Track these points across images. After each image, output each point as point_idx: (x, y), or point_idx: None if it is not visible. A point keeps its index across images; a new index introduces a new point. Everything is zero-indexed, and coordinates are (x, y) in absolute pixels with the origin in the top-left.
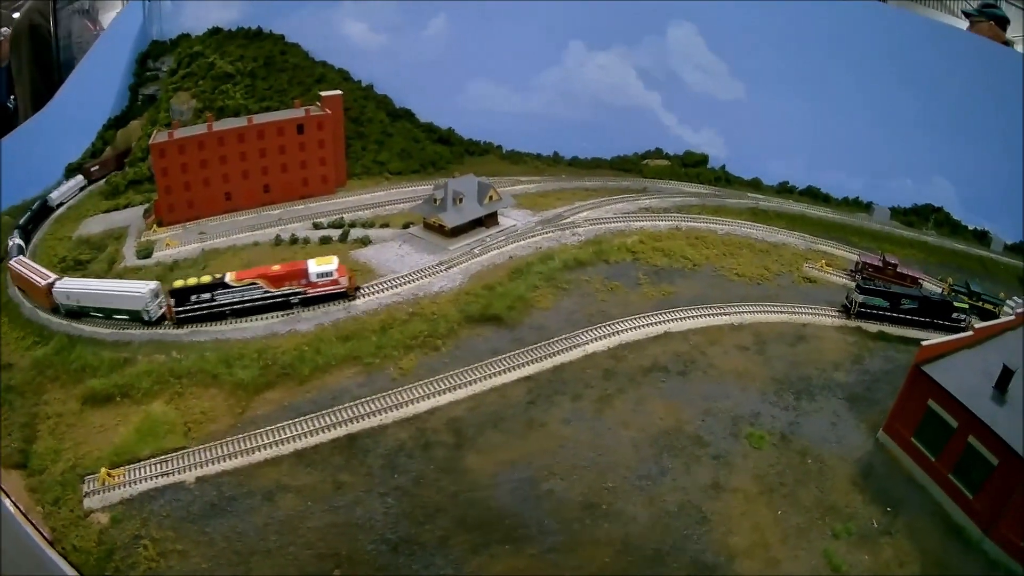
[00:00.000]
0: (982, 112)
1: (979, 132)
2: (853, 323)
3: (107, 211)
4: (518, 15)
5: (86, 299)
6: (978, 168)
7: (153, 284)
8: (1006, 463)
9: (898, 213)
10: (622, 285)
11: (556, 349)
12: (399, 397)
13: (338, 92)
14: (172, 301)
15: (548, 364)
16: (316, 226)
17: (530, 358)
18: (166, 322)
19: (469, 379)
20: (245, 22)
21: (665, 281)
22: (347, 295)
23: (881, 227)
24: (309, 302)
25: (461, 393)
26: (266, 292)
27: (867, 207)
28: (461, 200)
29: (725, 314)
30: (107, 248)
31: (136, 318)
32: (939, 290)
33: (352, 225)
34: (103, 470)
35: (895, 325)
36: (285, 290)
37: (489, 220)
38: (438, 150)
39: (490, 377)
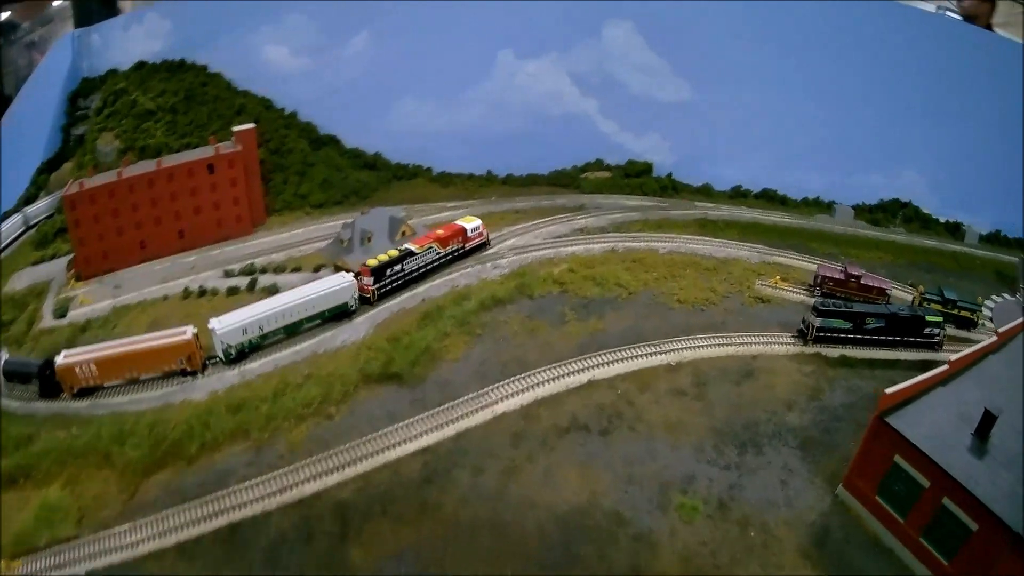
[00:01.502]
0: (954, 98)
1: (951, 119)
2: (811, 349)
3: (35, 263)
4: (444, 27)
5: (278, 319)
6: (951, 157)
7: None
8: (986, 528)
9: (863, 211)
10: (545, 324)
11: (460, 413)
12: (285, 480)
13: (251, 125)
14: (371, 280)
15: (450, 431)
16: (227, 274)
17: (429, 425)
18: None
19: (360, 454)
20: (169, 53)
21: (594, 315)
22: (488, 244)
23: (844, 229)
24: (467, 254)
25: (350, 472)
26: (439, 253)
27: (828, 207)
28: (370, 239)
29: (660, 352)
30: (28, 306)
31: (341, 314)
32: (910, 298)
33: (263, 271)
34: (4, 561)
35: (860, 347)
36: (451, 248)
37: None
38: (363, 177)
39: (383, 451)
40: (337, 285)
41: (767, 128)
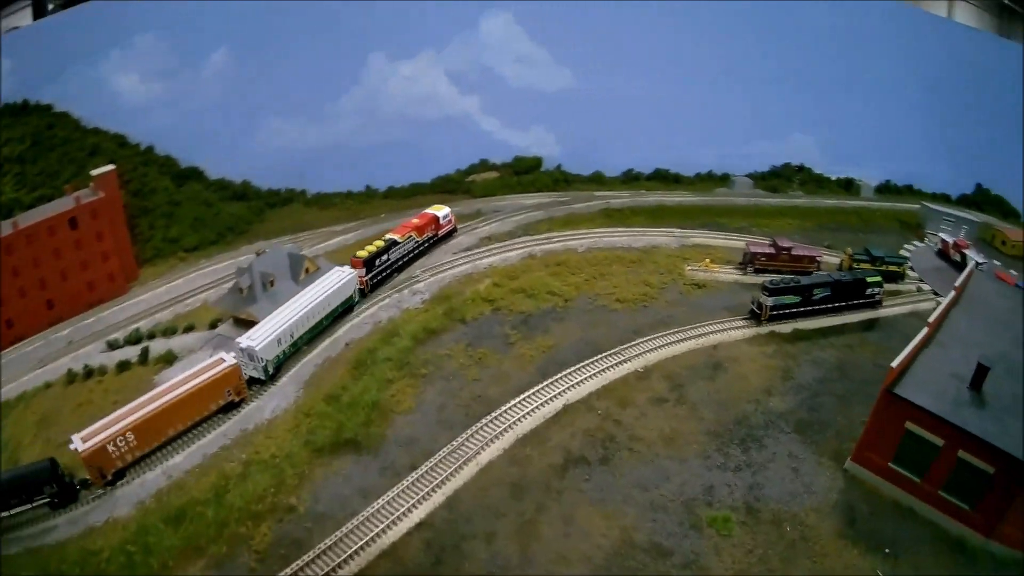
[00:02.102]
0: (832, 59)
1: (832, 79)
2: (765, 328)
3: None
4: (308, 32)
5: (304, 323)
6: (835, 117)
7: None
8: (1003, 469)
9: (759, 179)
10: (490, 350)
11: (441, 473)
12: None
13: (110, 167)
14: (364, 271)
15: (439, 497)
16: (111, 345)
17: (413, 496)
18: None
19: (346, 548)
20: (9, 96)
21: (538, 331)
22: (456, 231)
23: (747, 200)
24: (440, 240)
25: (344, 573)
26: (418, 241)
27: (726, 180)
28: (273, 283)
29: (624, 360)
30: None
31: (347, 309)
32: (838, 261)
33: (150, 336)
34: None
35: (809, 318)
36: (427, 235)
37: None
38: (235, 211)
39: (372, 539)
40: (343, 280)
41: (652, 109)
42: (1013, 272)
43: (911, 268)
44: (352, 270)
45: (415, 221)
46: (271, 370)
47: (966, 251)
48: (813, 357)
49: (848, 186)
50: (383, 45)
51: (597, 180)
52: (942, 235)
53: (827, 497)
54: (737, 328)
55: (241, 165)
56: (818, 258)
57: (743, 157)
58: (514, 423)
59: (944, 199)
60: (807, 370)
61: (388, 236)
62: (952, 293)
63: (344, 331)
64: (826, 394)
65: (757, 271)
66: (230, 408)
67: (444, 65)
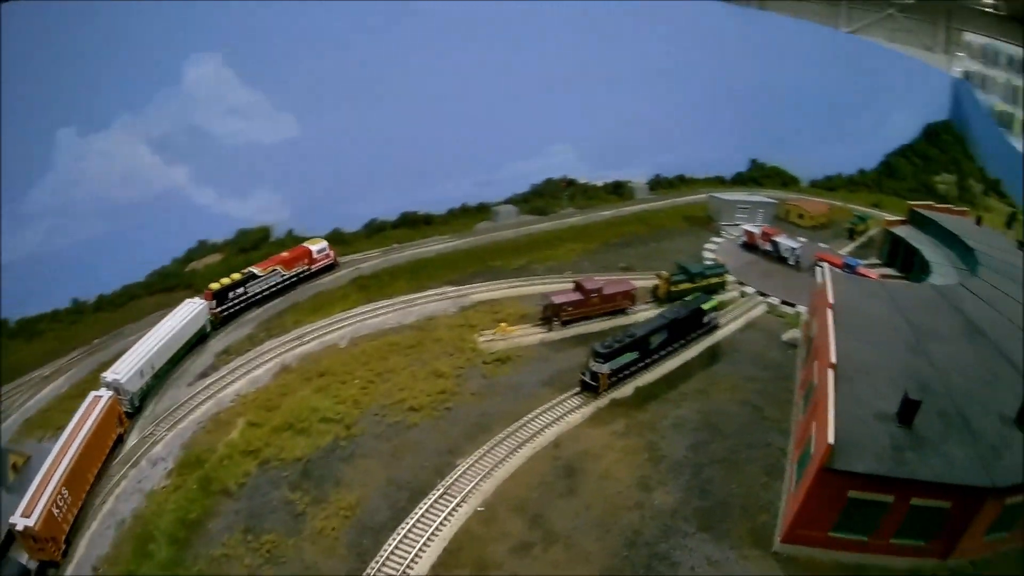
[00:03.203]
0: (574, 60)
1: (578, 82)
2: (603, 399)
3: None
4: None
5: (163, 354)
6: (590, 119)
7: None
8: (959, 500)
9: (520, 202)
10: (277, 533)
11: None
12: None
13: None
14: (214, 303)
15: None
16: None
17: None
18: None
19: None
20: None
21: (328, 484)
22: (336, 265)
23: (517, 232)
24: (314, 275)
25: None
26: (283, 275)
27: (485, 212)
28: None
29: (455, 501)
30: None
31: (202, 339)
32: (653, 284)
33: None
34: None
35: (648, 370)
36: (297, 270)
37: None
38: None
39: None
40: (194, 312)
41: (389, 146)
42: (840, 252)
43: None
44: (203, 301)
45: (284, 255)
46: (136, 402)
47: (777, 239)
48: (672, 420)
49: (618, 190)
50: (70, 119)
51: (337, 239)
52: (746, 226)
53: None
54: (572, 410)
55: None
56: (633, 292)
57: (500, 182)
58: None
59: (719, 182)
60: (674, 440)
61: (248, 269)
62: (829, 314)
63: (84, 549)
64: (708, 464)
65: (565, 323)
66: (119, 442)
67: (145, 131)
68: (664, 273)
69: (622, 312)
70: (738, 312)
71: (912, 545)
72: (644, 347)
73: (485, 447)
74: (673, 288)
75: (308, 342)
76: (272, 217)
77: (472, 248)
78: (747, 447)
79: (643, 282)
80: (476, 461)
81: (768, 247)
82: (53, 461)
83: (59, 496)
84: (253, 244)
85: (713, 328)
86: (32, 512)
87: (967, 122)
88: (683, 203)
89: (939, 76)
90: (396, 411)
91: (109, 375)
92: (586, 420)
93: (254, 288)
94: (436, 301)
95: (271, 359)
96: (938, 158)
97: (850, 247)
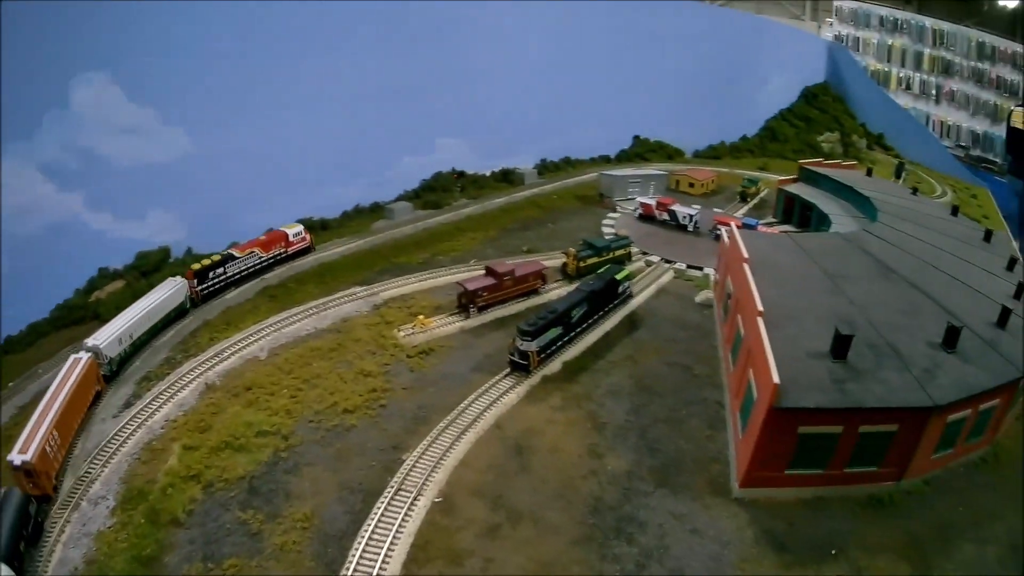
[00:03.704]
0: (451, 51)
1: (460, 72)
2: (535, 377)
3: None
4: None
5: (143, 324)
6: (475, 109)
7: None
8: (905, 421)
9: (412, 198)
10: (239, 558)
11: None
12: None
13: None
14: (195, 282)
15: None
16: None
17: None
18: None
19: None
20: None
21: (278, 498)
22: (312, 249)
23: (414, 227)
24: (290, 257)
25: None
26: (261, 257)
27: (379, 212)
28: None
29: (411, 496)
30: None
31: (181, 313)
32: (561, 263)
33: None
34: None
35: (572, 344)
36: (274, 252)
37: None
38: None
39: None
40: (174, 288)
41: (281, 154)
42: (736, 214)
43: (631, 241)
44: (182, 280)
45: (261, 238)
46: (114, 367)
47: (674, 208)
48: (606, 388)
49: (507, 177)
50: None
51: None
52: (640, 199)
53: (742, 539)
54: (507, 391)
55: None
56: (543, 271)
57: (391, 181)
58: None
59: (605, 160)
60: (613, 407)
61: (226, 251)
62: (747, 268)
63: None
64: (651, 424)
65: (482, 309)
66: (98, 398)
67: (36, 158)
68: (571, 250)
69: (535, 292)
70: (648, 280)
71: (866, 472)
72: (567, 322)
73: (428, 439)
74: (582, 264)
75: (227, 358)
76: (170, 237)
77: (374, 247)
78: (685, 404)
79: (551, 261)
80: (423, 453)
81: (665, 216)
82: (43, 409)
83: (51, 437)
84: (154, 266)
85: (628, 297)
86: (28, 449)
87: (845, 82)
88: (573, 184)
89: (814, 40)
90: (331, 415)
91: (90, 341)
92: (522, 399)
93: (233, 268)
94: (348, 302)
95: (193, 380)
96: (819, 118)
97: (744, 209)
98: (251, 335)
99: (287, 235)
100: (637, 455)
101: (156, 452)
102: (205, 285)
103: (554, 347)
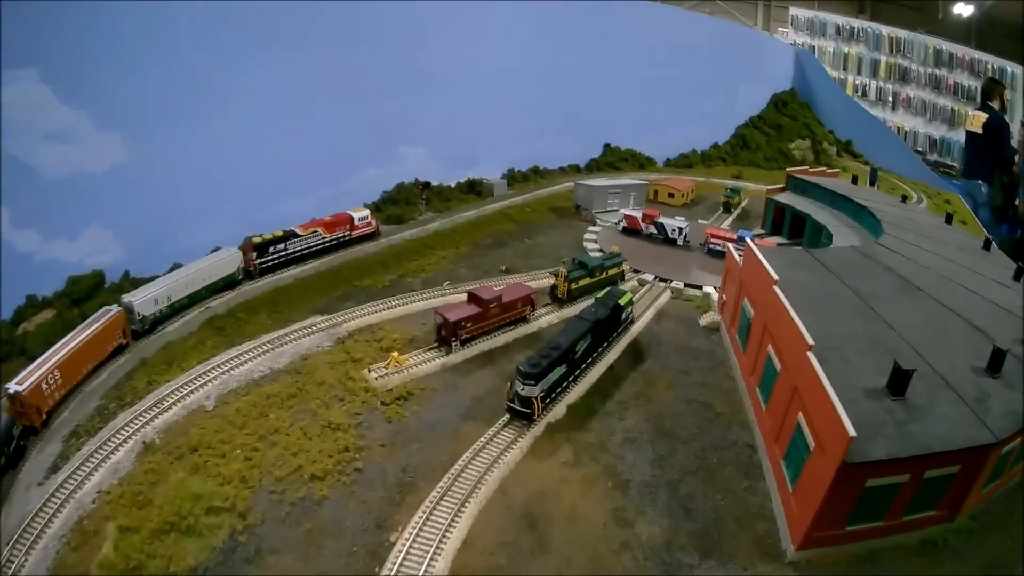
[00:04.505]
0: (411, 58)
1: (420, 80)
2: (539, 426)
3: None
4: None
5: (183, 289)
6: (439, 117)
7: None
8: (967, 461)
9: (374, 210)
10: None
11: None
12: None
13: None
14: (254, 255)
15: None
16: None
17: None
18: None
19: None
20: None
21: None
22: (378, 233)
23: (377, 245)
24: (354, 241)
25: None
26: (324, 237)
27: None
28: None
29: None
30: None
31: (230, 284)
32: (551, 283)
33: None
34: None
35: (575, 381)
36: (337, 234)
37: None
38: None
39: None
40: (226, 258)
41: (229, 168)
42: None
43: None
44: (237, 250)
45: (325, 219)
46: (146, 325)
47: (662, 220)
48: (622, 435)
49: (474, 188)
50: None
51: None
52: (624, 211)
53: None
54: (508, 446)
55: None
56: (533, 296)
57: (348, 194)
58: None
59: (575, 170)
60: (633, 458)
61: (291, 228)
62: (779, 292)
63: None
64: (681, 478)
65: (465, 342)
66: (121, 350)
67: None
68: (562, 270)
69: (523, 320)
70: (646, 302)
71: (923, 517)
72: (571, 358)
73: (420, 512)
74: (573, 286)
75: (168, 408)
76: (106, 259)
77: (333, 268)
78: (713, 450)
79: (535, 282)
80: (415, 533)
81: (652, 229)
82: (53, 351)
83: (51, 376)
84: (87, 293)
85: (630, 324)
86: (24, 382)
87: (812, 89)
88: (546, 195)
89: (781, 47)
90: (296, 484)
91: (126, 297)
92: (527, 454)
93: (294, 246)
94: (308, 336)
95: (128, 438)
96: (789, 125)
97: (729, 220)
98: (196, 378)
99: (352, 218)
100: (672, 518)
101: (87, 535)
102: (264, 259)
103: (559, 389)
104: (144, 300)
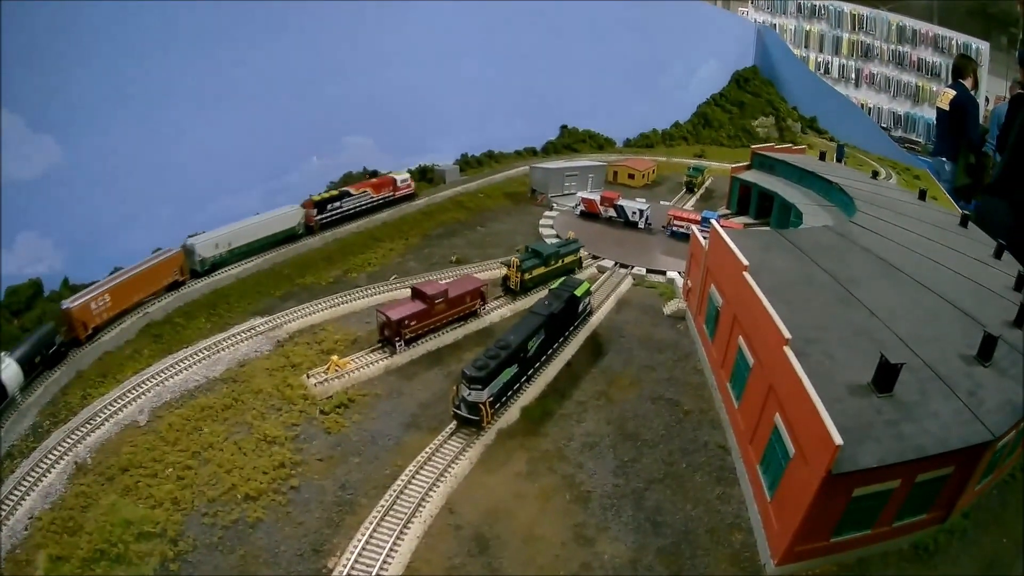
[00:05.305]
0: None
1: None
2: (491, 431)
3: None
4: None
5: (243, 236)
6: (389, 106)
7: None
8: (961, 461)
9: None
10: None
11: None
12: None
13: None
14: (315, 212)
15: None
16: None
17: None
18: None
19: None
20: None
21: None
22: (415, 195)
23: (322, 239)
24: (396, 201)
25: None
26: (372, 197)
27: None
28: None
29: None
30: None
31: (290, 237)
32: (503, 274)
33: None
34: None
35: (529, 381)
36: (383, 195)
37: None
38: None
39: None
40: (287, 212)
41: (166, 165)
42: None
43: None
44: (299, 207)
45: (373, 180)
46: (207, 267)
47: (621, 203)
48: (581, 440)
49: (425, 175)
50: None
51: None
52: (581, 194)
53: None
54: (455, 457)
55: None
56: (482, 288)
57: (292, 187)
58: None
59: (531, 153)
60: (594, 466)
61: (344, 189)
62: (750, 279)
63: None
64: (647, 487)
65: (409, 342)
66: (176, 286)
67: None
68: (514, 259)
69: (473, 315)
70: (605, 291)
71: (914, 521)
72: (523, 357)
73: (360, 535)
74: (527, 276)
75: (101, 424)
76: (43, 268)
77: (274, 266)
78: (682, 453)
79: (487, 273)
80: (354, 559)
81: (612, 212)
82: (111, 277)
83: (100, 297)
84: (26, 303)
85: (588, 315)
86: (76, 300)
87: (774, 65)
88: (501, 180)
89: (742, 23)
90: (229, 505)
91: (189, 240)
92: (476, 466)
93: (348, 204)
94: (246, 340)
95: (61, 456)
96: (752, 103)
97: (692, 200)
98: (129, 391)
99: (395, 180)
100: (638, 534)
101: (19, 566)
102: (323, 215)
103: (510, 391)
104: (205, 243)
